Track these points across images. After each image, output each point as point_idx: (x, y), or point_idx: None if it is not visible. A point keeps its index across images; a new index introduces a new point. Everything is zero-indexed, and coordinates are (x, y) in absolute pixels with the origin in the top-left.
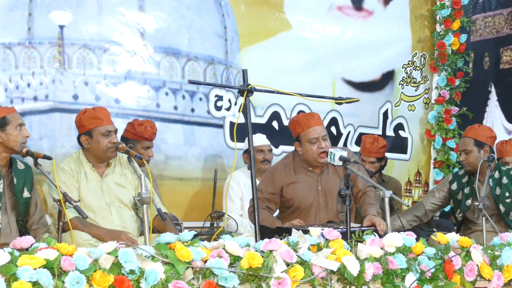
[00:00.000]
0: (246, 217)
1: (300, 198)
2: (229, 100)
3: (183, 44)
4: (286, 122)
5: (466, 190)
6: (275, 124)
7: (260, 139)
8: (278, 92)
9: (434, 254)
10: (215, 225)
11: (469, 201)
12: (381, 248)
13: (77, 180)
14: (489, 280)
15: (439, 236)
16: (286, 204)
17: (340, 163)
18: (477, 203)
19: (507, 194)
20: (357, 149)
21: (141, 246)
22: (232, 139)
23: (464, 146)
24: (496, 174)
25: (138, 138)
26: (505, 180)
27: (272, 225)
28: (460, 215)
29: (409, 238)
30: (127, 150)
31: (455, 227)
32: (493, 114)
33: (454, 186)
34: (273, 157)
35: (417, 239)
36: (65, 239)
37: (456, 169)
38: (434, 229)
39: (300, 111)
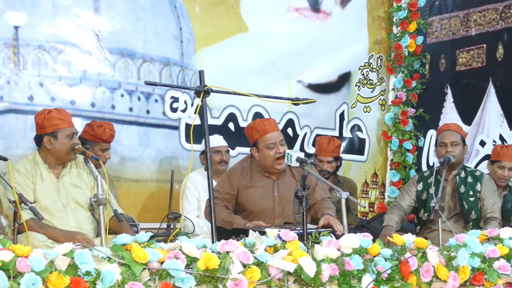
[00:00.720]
0: (202, 218)
1: (255, 203)
2: (185, 102)
3: (139, 45)
4: (242, 124)
5: (432, 190)
6: (231, 125)
7: (217, 140)
8: (235, 93)
9: (390, 255)
10: (171, 226)
11: (434, 201)
12: (338, 249)
13: (33, 181)
14: (445, 281)
15: (396, 237)
16: (240, 208)
17: (297, 164)
18: (433, 204)
19: (471, 192)
20: (314, 150)
21: (98, 247)
22: (187, 140)
23: (454, 138)
24: (462, 174)
25: (96, 139)
26: (470, 179)
27: (234, 222)
28: (425, 215)
29: (365, 239)
30: (83, 151)
31: (418, 227)
32: (449, 116)
33: (420, 186)
34: (230, 159)
35: (373, 240)
36: (20, 240)
37: (412, 171)
38: None
39: (256, 113)
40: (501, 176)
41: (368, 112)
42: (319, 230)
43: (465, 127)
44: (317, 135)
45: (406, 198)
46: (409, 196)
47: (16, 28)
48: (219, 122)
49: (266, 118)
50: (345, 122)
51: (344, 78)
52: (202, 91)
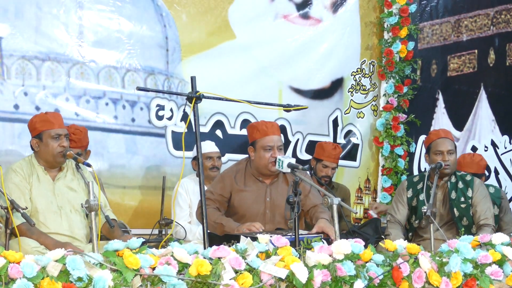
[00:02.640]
0: (194, 224)
1: (246, 207)
2: (171, 110)
3: (123, 55)
4: (230, 131)
5: (422, 197)
6: (218, 132)
7: (209, 146)
8: (227, 99)
9: (382, 261)
10: (163, 232)
11: (425, 208)
12: (330, 255)
13: (29, 182)
14: (437, 287)
15: (387, 243)
16: (231, 211)
17: (289, 170)
18: (425, 210)
19: (462, 199)
20: (307, 156)
21: (89, 253)
22: (175, 147)
23: (450, 147)
24: (453, 179)
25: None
26: (460, 184)
27: (226, 224)
28: (416, 222)
29: (357, 245)
30: (75, 157)
31: (410, 234)
32: (441, 121)
33: (410, 193)
34: (222, 165)
35: (365, 246)
36: (12, 246)
37: (404, 176)
38: (383, 236)
39: (244, 120)
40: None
41: (362, 118)
42: (311, 236)
43: (456, 133)
44: (310, 141)
45: (400, 210)
46: (403, 206)
47: (0, 38)
48: (205, 129)
49: (270, 121)
50: (339, 128)
51: (337, 84)
52: (194, 97)
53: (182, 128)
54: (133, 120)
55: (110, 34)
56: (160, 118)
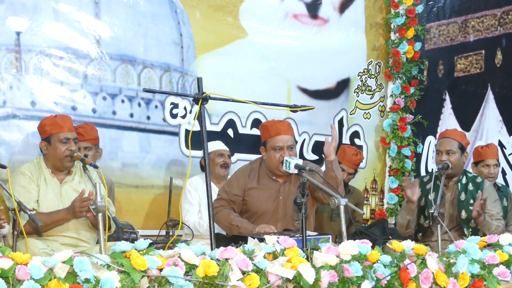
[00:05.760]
0: (204, 218)
1: (259, 205)
2: (185, 108)
3: (139, 51)
4: (241, 130)
5: (430, 197)
6: (230, 132)
7: (220, 144)
8: (233, 100)
9: (389, 262)
10: (170, 233)
11: (433, 208)
12: (337, 256)
13: (37, 184)
14: None
15: (395, 244)
16: (244, 209)
17: (296, 171)
18: (432, 211)
19: (471, 201)
20: (313, 156)
21: (97, 255)
22: (187, 146)
23: (449, 147)
24: (463, 180)
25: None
26: (471, 186)
27: (242, 226)
28: (427, 221)
29: (364, 246)
30: (82, 158)
31: (420, 234)
32: (448, 122)
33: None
34: (231, 164)
35: (372, 247)
36: (19, 248)
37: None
38: (390, 237)
39: (255, 119)
40: (487, 174)
41: (368, 119)
42: (318, 237)
43: None
44: (316, 141)
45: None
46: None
47: (18, 33)
48: (218, 128)
49: (282, 120)
50: (344, 129)
51: (343, 85)
52: (201, 98)
53: (196, 126)
54: (148, 118)
55: (126, 31)
56: (174, 116)
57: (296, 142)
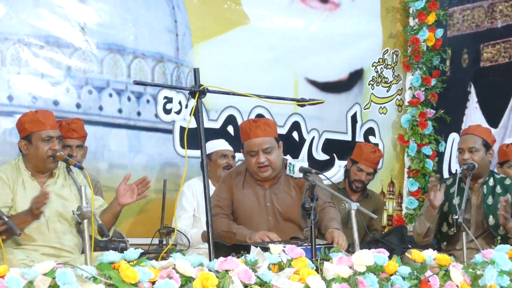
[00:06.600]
0: (196, 228)
1: (245, 212)
2: (180, 103)
3: (129, 40)
4: None
5: (455, 201)
6: (230, 129)
7: (223, 144)
8: (234, 94)
9: (409, 274)
10: (164, 242)
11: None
12: (350, 267)
13: (13, 189)
14: None
15: (415, 254)
16: (234, 217)
17: (301, 175)
18: (456, 216)
19: (499, 205)
20: (324, 156)
21: (82, 266)
22: (182, 146)
23: (472, 144)
24: (491, 182)
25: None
26: (498, 189)
27: (237, 232)
28: (452, 229)
29: (381, 255)
30: (66, 158)
31: (444, 243)
32: (473, 117)
33: None
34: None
35: (390, 257)
36: None
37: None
38: (409, 246)
39: (258, 115)
40: None
41: (384, 114)
42: (329, 246)
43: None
44: (326, 139)
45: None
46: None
47: None
48: (217, 125)
49: (256, 119)
50: (358, 125)
51: (356, 76)
52: (198, 91)
53: (192, 123)
54: (138, 113)
55: (114, 17)
56: (168, 112)
57: (278, 141)
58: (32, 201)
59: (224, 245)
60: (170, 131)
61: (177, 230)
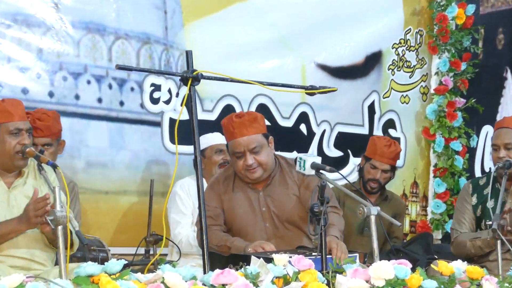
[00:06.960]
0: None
1: (239, 224)
2: (169, 91)
3: (110, 18)
4: None
5: (489, 205)
6: None
7: (219, 138)
8: (232, 80)
9: None
10: (151, 252)
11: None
12: (367, 281)
13: None
14: None
15: (442, 265)
16: (227, 228)
17: (312, 172)
18: (490, 222)
19: None
20: (337, 153)
21: (55, 280)
22: (172, 140)
23: (508, 139)
24: None
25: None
26: None
27: (232, 245)
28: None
29: (402, 267)
30: (37, 155)
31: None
32: (509, 107)
33: (474, 199)
34: None
35: (413, 269)
36: None
37: (463, 179)
38: (435, 256)
39: (260, 104)
40: None
41: (407, 103)
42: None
43: None
44: (339, 132)
45: (467, 223)
46: (469, 217)
47: None
48: (212, 116)
49: (239, 114)
50: (376, 116)
51: (373, 60)
52: (190, 78)
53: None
54: (121, 103)
55: None
56: (155, 101)
57: (268, 136)
58: (27, 208)
59: (220, 255)
60: (158, 124)
61: (167, 238)
